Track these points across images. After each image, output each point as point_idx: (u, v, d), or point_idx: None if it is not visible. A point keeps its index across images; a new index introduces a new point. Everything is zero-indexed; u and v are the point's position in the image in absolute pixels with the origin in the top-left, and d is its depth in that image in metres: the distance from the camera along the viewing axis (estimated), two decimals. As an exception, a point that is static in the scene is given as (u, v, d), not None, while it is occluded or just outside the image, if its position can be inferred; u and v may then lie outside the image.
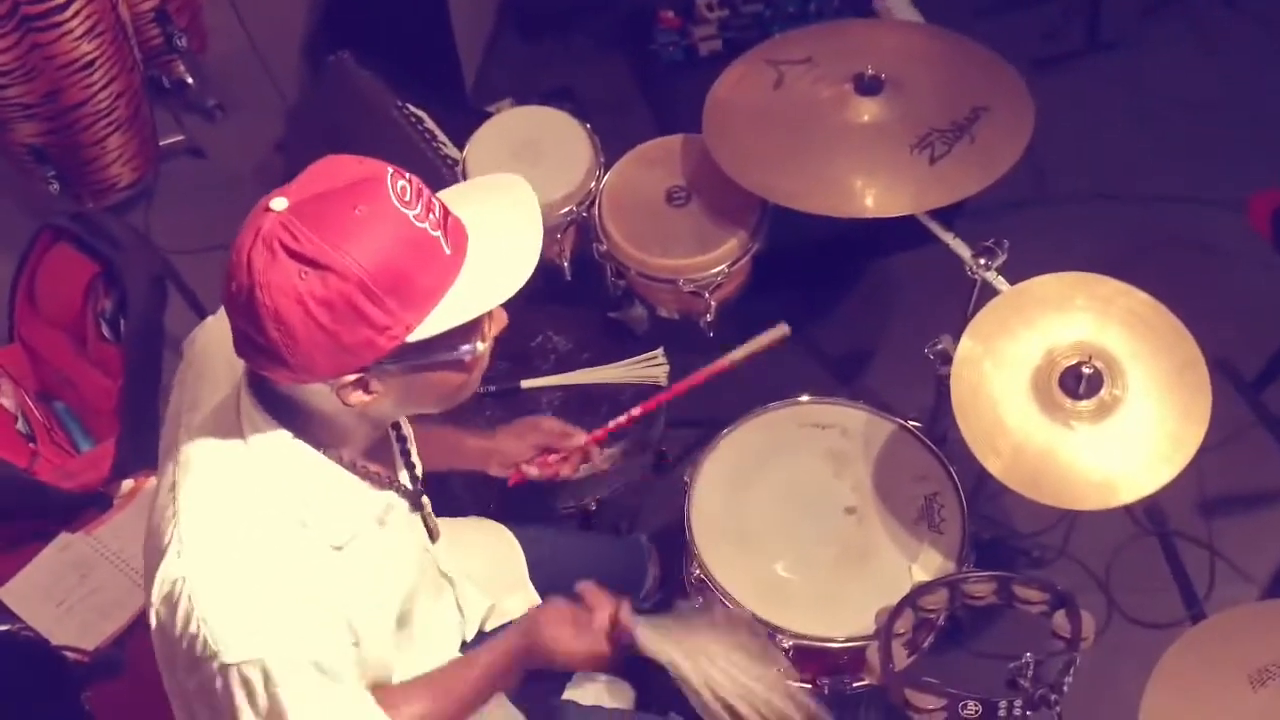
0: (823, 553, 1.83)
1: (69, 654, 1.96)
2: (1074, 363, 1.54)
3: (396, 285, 1.06)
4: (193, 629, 1.14)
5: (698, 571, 1.83)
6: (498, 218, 1.18)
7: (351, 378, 1.12)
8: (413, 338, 1.09)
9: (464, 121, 2.28)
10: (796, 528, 1.85)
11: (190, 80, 3.06)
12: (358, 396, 1.14)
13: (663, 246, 1.90)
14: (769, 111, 1.82)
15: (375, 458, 1.32)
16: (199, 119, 3.08)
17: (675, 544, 1.90)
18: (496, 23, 3.27)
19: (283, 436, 1.19)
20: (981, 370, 1.63)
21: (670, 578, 2.06)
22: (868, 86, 1.77)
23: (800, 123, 1.79)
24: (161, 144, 2.95)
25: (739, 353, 1.83)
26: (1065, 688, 1.50)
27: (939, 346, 1.91)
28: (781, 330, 1.83)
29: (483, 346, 1.18)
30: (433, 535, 1.49)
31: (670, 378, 2.07)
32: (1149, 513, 2.43)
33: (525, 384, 2.09)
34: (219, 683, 1.15)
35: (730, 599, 1.76)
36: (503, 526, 1.85)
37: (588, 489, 2.03)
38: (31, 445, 2.34)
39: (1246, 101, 3.02)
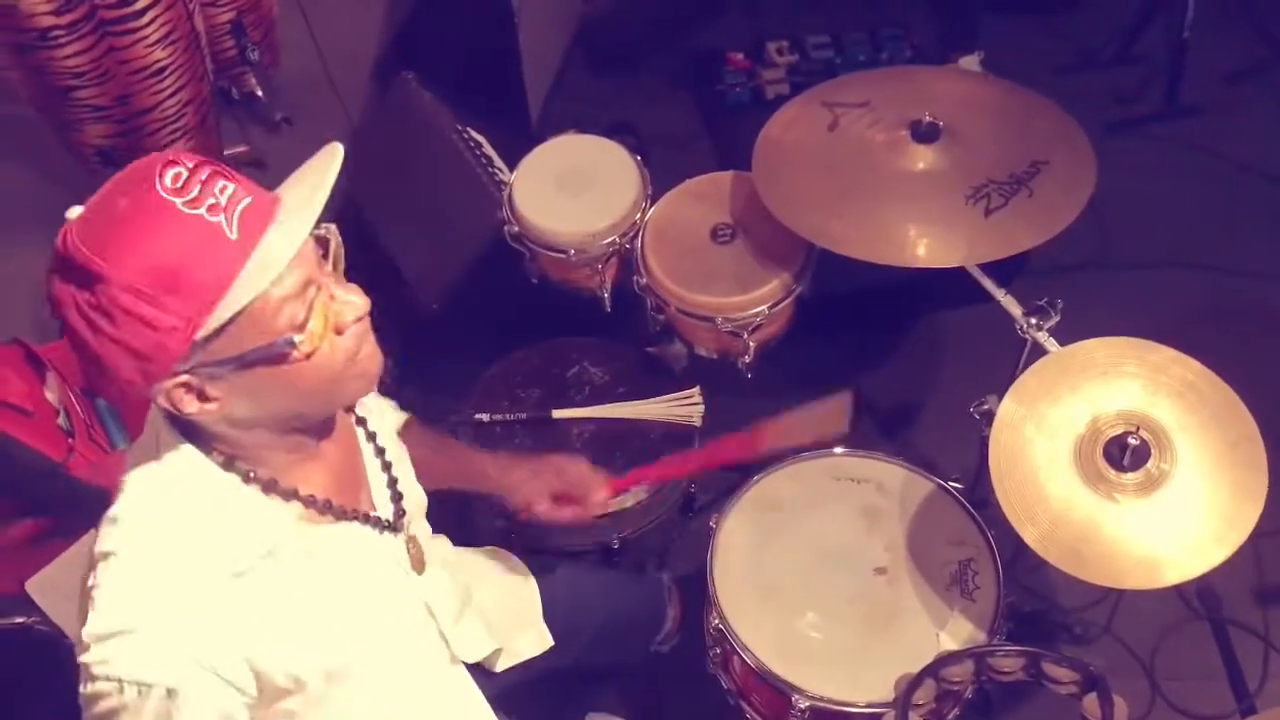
0: (849, 612, 1.77)
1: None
2: (1120, 432, 1.46)
3: (170, 282, 1.00)
4: (80, 633, 1.12)
5: (716, 621, 1.77)
6: (300, 192, 1.08)
7: (170, 384, 1.06)
8: (202, 333, 1.03)
9: (526, 150, 2.27)
10: (823, 584, 1.79)
11: (260, 93, 3.10)
12: (195, 405, 1.09)
13: (703, 283, 1.86)
14: (822, 153, 1.78)
15: (329, 484, 1.26)
16: (264, 131, 3.12)
17: (700, 587, 1.84)
18: (566, 56, 3.28)
19: (186, 453, 1.16)
20: (1022, 435, 1.56)
21: (691, 621, 2.00)
22: (925, 134, 1.72)
23: (853, 166, 1.74)
24: (225, 153, 2.99)
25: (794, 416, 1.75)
26: (1094, 776, 1.41)
27: (985, 407, 1.84)
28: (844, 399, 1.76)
29: (302, 339, 1.08)
30: (415, 565, 1.41)
31: (705, 418, 2.03)
32: (1201, 595, 2.31)
33: (557, 414, 2.05)
34: (80, 675, 1.12)
35: (749, 653, 1.70)
36: (519, 561, 1.80)
37: (612, 526, 1.99)
38: (70, 440, 2.36)
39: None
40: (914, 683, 1.53)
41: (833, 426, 1.77)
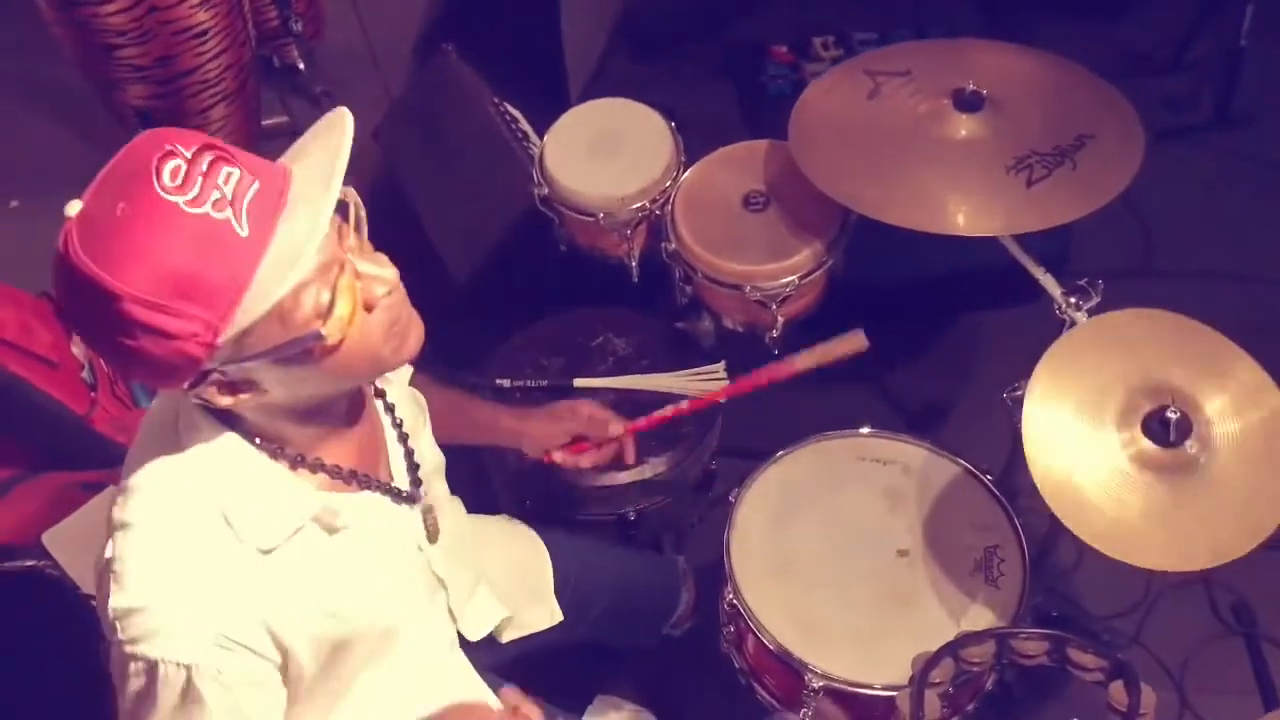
0: (868, 592, 1.72)
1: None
2: (1158, 406, 1.40)
3: (183, 288, 0.94)
4: (107, 606, 1.10)
5: (731, 597, 1.72)
6: (310, 172, 1.02)
7: (204, 384, 1.03)
8: (225, 336, 0.98)
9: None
10: (842, 563, 1.74)
11: (301, 65, 3.11)
12: (229, 398, 1.06)
13: (733, 250, 1.81)
14: (861, 121, 1.74)
15: (352, 454, 1.23)
16: (305, 103, 3.12)
17: (716, 574, 1.79)
18: (609, 41, 3.27)
19: (211, 427, 1.12)
20: (1055, 407, 1.50)
21: (706, 606, 1.95)
22: (967, 102, 1.67)
23: (892, 134, 1.70)
24: (264, 123, 2.99)
25: (808, 358, 1.70)
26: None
27: (1019, 392, 1.78)
28: (857, 340, 1.68)
29: (328, 329, 1.02)
30: (431, 535, 1.38)
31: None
32: (1236, 610, 2.24)
33: (578, 383, 2.02)
34: (119, 659, 1.10)
35: (764, 630, 1.65)
36: (533, 533, 1.77)
37: (630, 497, 1.95)
38: (93, 394, 2.35)
39: None
40: (932, 660, 1.47)
41: (854, 348, 1.69)
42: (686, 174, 1.92)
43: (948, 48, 1.77)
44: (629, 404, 1.97)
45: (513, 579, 1.67)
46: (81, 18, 2.49)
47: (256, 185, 0.98)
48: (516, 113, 2.56)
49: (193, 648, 1.08)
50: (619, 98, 2.01)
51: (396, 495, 1.30)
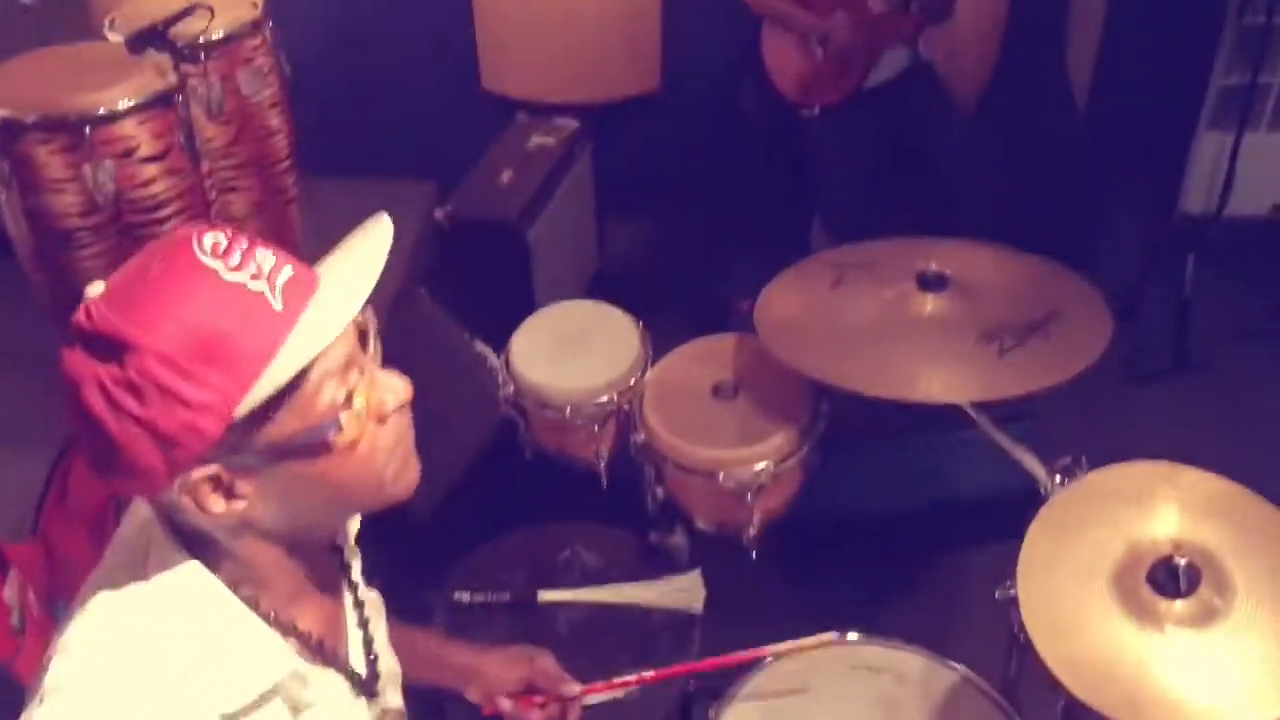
0: None
1: None
2: (1164, 555, 1.30)
3: (209, 352, 0.88)
4: None
5: (713, 819, 1.53)
6: (349, 264, 0.99)
7: (199, 474, 0.93)
8: (240, 411, 0.91)
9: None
10: None
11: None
12: (221, 504, 0.96)
13: (704, 436, 1.76)
14: (826, 306, 1.74)
15: (320, 624, 1.12)
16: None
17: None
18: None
19: (189, 569, 1.01)
20: (1053, 579, 1.39)
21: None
22: (931, 283, 1.69)
23: (859, 315, 1.70)
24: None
25: (781, 646, 1.61)
26: None
27: (1011, 592, 1.68)
28: (829, 637, 1.62)
29: (347, 420, 0.97)
30: None
31: (706, 605, 1.86)
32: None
33: (543, 596, 1.89)
34: None
35: None
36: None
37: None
38: (19, 639, 2.19)
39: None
40: None
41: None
42: (653, 369, 1.90)
43: (910, 244, 1.80)
44: (599, 620, 1.85)
45: None
46: (60, 264, 2.51)
47: (291, 272, 0.94)
48: (487, 350, 2.58)
49: None
50: (587, 300, 2.02)
51: (356, 682, 1.17)
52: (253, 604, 1.03)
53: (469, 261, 2.97)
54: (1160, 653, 1.29)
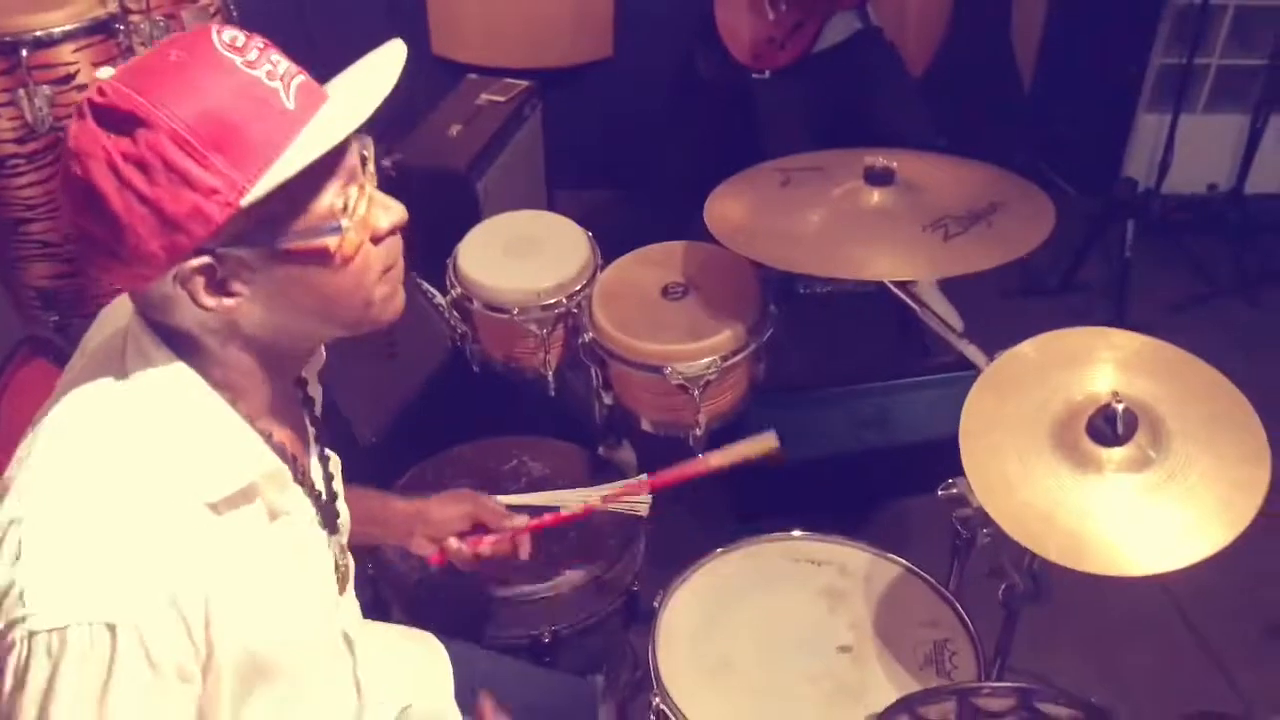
0: (812, 690, 1.54)
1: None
2: (1103, 404, 1.31)
3: (221, 137, 0.90)
4: (10, 579, 0.92)
5: (658, 701, 1.51)
6: (359, 78, 1.01)
7: (196, 264, 0.93)
8: (248, 199, 0.92)
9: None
10: (782, 662, 1.57)
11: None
12: (213, 299, 0.96)
13: (652, 332, 1.75)
14: (775, 201, 1.75)
15: (288, 442, 1.12)
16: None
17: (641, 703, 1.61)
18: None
19: (172, 367, 1.01)
20: (996, 438, 1.40)
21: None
22: (878, 177, 1.70)
23: (808, 207, 1.70)
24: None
25: (721, 456, 1.61)
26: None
27: (954, 490, 1.69)
28: (769, 441, 1.61)
29: (350, 226, 0.98)
30: (341, 583, 1.24)
31: (652, 511, 1.84)
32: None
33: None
34: (21, 651, 0.91)
35: (698, 735, 1.44)
36: (433, 637, 1.57)
37: (543, 615, 1.74)
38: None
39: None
40: (889, 713, 1.28)
41: (766, 449, 1.60)
42: (603, 273, 1.89)
43: (857, 151, 1.81)
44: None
45: (412, 683, 1.47)
46: (-10, 193, 2.47)
47: (304, 78, 0.97)
48: (434, 290, 2.56)
49: (128, 605, 0.90)
50: (537, 210, 2.01)
51: (319, 503, 1.16)
52: (233, 406, 1.03)
53: (417, 211, 2.93)
54: (1100, 499, 1.31)
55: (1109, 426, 1.30)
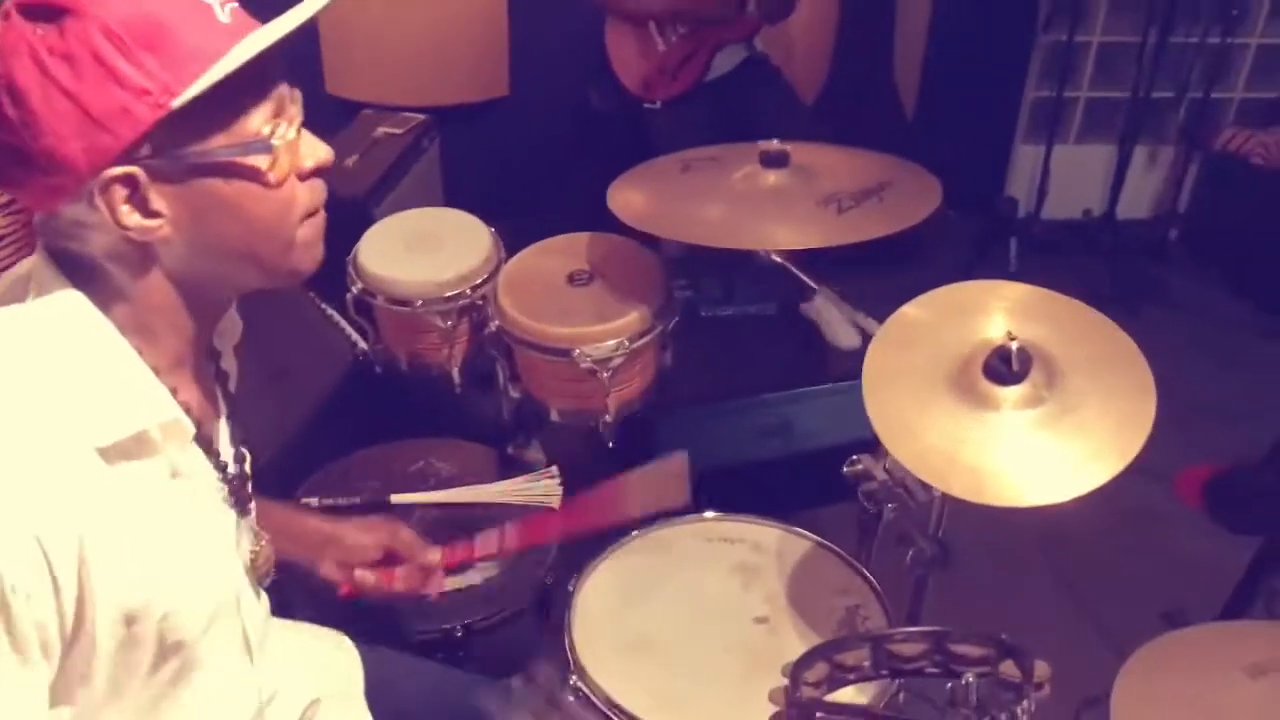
0: (729, 661, 1.54)
1: None
2: (999, 345, 1.36)
3: (154, 37, 0.87)
4: None
5: (576, 680, 1.49)
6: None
7: (119, 171, 0.89)
8: (179, 102, 0.88)
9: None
10: (698, 635, 1.58)
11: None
12: (136, 217, 0.92)
13: (559, 317, 1.76)
14: (675, 185, 1.79)
15: (196, 405, 1.07)
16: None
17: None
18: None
19: (72, 299, 0.96)
20: (897, 388, 1.44)
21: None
22: (774, 160, 1.75)
23: (708, 188, 1.75)
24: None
25: (634, 473, 1.60)
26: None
27: (859, 466, 1.72)
28: (679, 462, 1.61)
29: (280, 147, 0.96)
30: (260, 570, 1.22)
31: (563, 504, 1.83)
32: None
33: (395, 498, 1.84)
34: None
35: (619, 710, 1.43)
36: (342, 635, 1.52)
37: (455, 609, 1.71)
38: None
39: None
40: (805, 660, 1.29)
41: (673, 495, 1.61)
42: (508, 263, 1.90)
43: (752, 145, 1.86)
44: (454, 519, 1.81)
45: (319, 673, 1.43)
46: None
47: (238, 4, 0.95)
48: (335, 313, 2.53)
49: None
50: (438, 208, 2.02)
51: (226, 479, 1.11)
52: (138, 353, 0.98)
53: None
54: (999, 437, 1.35)
55: (1004, 365, 1.34)
